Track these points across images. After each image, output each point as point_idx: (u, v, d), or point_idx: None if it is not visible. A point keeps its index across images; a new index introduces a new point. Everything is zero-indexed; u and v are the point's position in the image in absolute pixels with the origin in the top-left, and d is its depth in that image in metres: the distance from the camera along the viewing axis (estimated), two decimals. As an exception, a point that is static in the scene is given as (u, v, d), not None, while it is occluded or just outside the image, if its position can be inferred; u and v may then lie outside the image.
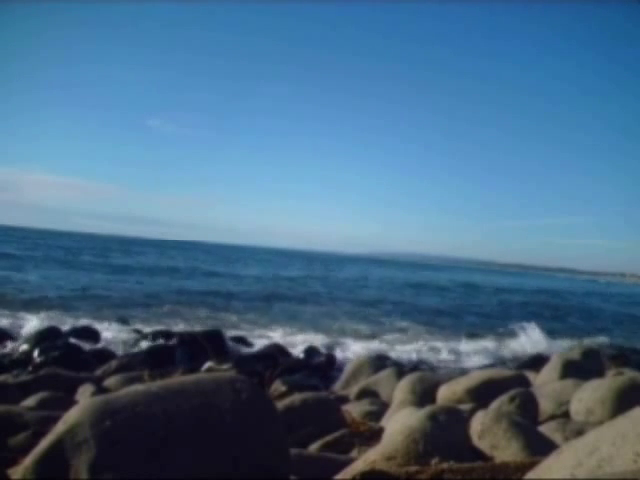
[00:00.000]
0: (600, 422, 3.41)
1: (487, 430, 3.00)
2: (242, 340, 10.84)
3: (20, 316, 11.18)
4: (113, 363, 7.96)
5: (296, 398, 4.16)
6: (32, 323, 10.36)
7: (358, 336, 12.73)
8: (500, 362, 10.78)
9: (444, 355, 11.07)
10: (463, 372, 7.80)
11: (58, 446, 1.89)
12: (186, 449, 1.93)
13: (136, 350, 9.46)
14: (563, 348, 11.54)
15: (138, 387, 2.22)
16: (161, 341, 9.81)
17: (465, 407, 4.03)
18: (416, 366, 9.22)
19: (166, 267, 33.83)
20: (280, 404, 3.89)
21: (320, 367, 9.18)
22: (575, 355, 6.21)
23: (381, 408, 5.13)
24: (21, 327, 10.19)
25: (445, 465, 2.48)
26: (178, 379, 2.41)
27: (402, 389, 5.19)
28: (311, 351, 10.48)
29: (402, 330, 14.56)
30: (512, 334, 13.54)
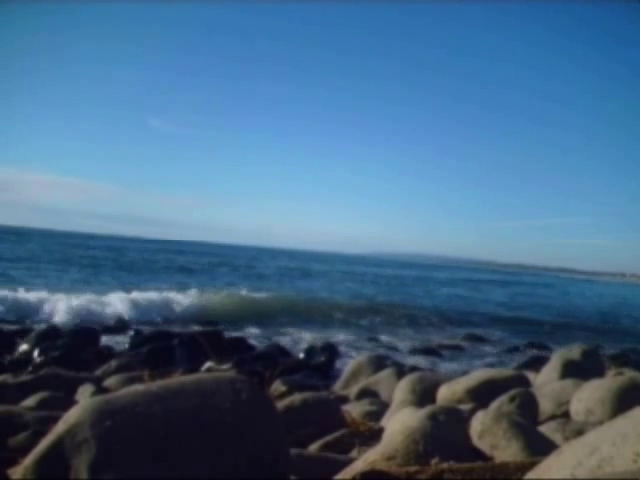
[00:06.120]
0: (600, 422, 3.40)
1: (487, 430, 3.00)
2: (242, 340, 10.85)
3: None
4: (113, 363, 7.96)
5: (296, 398, 4.15)
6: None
7: None
8: None
9: None
10: (463, 372, 7.80)
11: (58, 446, 1.89)
12: (186, 449, 1.93)
13: (136, 350, 9.46)
14: None
15: (138, 387, 2.22)
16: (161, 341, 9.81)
17: (465, 407, 4.02)
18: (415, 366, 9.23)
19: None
20: (280, 404, 3.88)
21: (320, 367, 9.19)
22: (575, 355, 6.20)
23: (381, 408, 5.12)
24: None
25: (445, 465, 2.48)
26: (178, 379, 2.40)
27: (402, 389, 5.19)
28: (311, 351, 10.48)
29: None
30: None
